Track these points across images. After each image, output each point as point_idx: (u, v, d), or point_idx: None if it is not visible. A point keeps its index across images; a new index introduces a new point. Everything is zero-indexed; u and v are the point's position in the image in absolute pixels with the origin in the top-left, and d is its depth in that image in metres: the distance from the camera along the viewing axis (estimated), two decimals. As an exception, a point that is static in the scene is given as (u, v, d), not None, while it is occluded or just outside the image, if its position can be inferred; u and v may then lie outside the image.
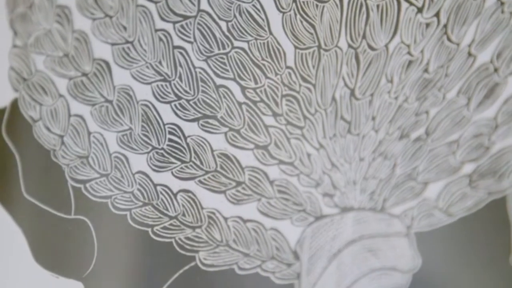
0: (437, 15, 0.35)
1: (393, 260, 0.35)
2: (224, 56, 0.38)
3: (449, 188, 0.35)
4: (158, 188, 0.38)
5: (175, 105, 0.38)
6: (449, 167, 0.35)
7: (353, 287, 0.35)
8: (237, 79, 0.37)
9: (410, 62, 0.35)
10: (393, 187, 0.35)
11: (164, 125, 0.38)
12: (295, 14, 0.36)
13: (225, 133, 0.38)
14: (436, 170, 0.35)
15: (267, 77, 0.37)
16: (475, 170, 0.34)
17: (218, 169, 0.38)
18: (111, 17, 0.39)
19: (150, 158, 0.39)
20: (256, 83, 0.37)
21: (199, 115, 0.38)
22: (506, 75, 0.34)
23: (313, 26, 0.36)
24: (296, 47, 0.37)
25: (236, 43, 0.37)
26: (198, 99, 0.38)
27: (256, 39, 0.37)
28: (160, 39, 0.38)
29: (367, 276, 0.35)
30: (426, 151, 0.35)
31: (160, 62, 0.38)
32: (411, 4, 0.35)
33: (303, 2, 0.36)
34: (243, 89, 0.37)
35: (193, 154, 0.38)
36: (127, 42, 0.39)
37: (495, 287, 0.33)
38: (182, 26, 0.38)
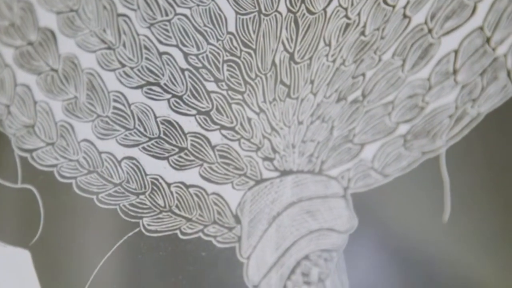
0: (374, -22, 0.35)
1: (330, 221, 0.35)
2: (167, 23, 0.38)
3: (384, 148, 0.35)
4: (103, 155, 0.38)
5: (119, 72, 0.38)
6: (384, 128, 0.35)
7: (292, 248, 0.35)
8: (180, 45, 0.37)
9: (347, 25, 0.35)
10: (331, 149, 0.36)
11: (108, 92, 0.38)
12: (236, -20, 0.37)
13: (168, 100, 0.38)
14: (372, 132, 0.35)
15: (209, 43, 0.37)
16: (409, 131, 0.35)
17: (161, 135, 0.38)
18: (55, -15, 0.39)
19: (95, 126, 0.39)
20: (198, 49, 0.37)
21: (143, 82, 0.38)
22: (440, 35, 0.34)
23: (253, -9, 0.36)
24: (237, 13, 0.37)
25: (178, 10, 0.37)
26: (142, 66, 0.38)
27: (198, 5, 0.37)
28: (104, 7, 0.38)
29: (305, 237, 0.35)
30: (362, 113, 0.35)
31: (104, 30, 0.38)
32: (349, -33, 0.35)
33: (243, -34, 0.36)
34: (186, 55, 0.37)
35: (137, 121, 0.38)
36: (72, 10, 0.39)
37: (429, 245, 0.34)
38: (126, -6, 0.38)
